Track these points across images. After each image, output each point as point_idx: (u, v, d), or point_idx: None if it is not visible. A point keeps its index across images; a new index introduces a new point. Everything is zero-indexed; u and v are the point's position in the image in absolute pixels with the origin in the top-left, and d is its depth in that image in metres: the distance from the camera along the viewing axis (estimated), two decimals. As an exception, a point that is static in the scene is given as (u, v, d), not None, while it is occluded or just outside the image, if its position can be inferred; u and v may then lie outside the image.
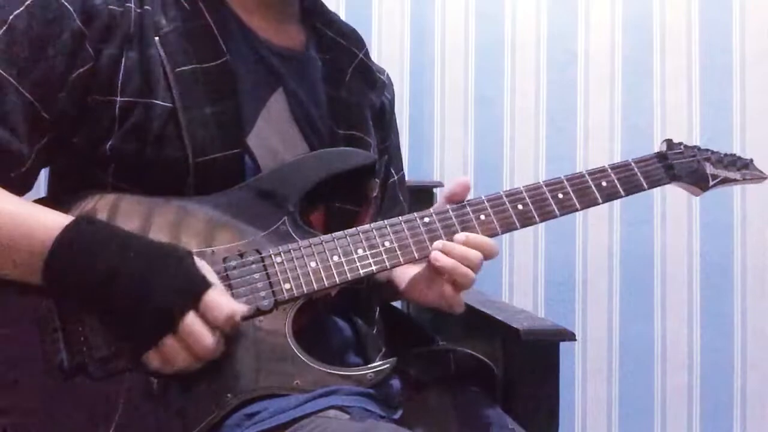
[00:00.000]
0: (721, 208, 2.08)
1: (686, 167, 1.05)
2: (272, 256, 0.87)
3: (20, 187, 0.86)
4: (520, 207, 0.96)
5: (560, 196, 0.97)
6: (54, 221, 0.80)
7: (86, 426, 0.79)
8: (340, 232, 0.90)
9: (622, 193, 1.00)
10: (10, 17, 0.83)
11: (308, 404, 0.81)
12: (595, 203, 0.98)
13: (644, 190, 1.02)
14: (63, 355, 0.80)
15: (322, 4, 1.11)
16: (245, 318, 0.83)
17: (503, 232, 0.95)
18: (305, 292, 0.86)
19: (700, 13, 2.09)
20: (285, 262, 0.87)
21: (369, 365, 0.88)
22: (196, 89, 0.90)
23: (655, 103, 2.09)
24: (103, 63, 0.87)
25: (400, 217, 0.93)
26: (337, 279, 0.88)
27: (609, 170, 1.00)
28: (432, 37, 2.06)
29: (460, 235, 0.92)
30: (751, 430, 2.08)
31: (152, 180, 0.87)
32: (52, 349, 0.80)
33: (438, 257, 0.90)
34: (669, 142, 1.07)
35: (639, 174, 1.01)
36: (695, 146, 1.09)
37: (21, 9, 0.84)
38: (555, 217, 0.97)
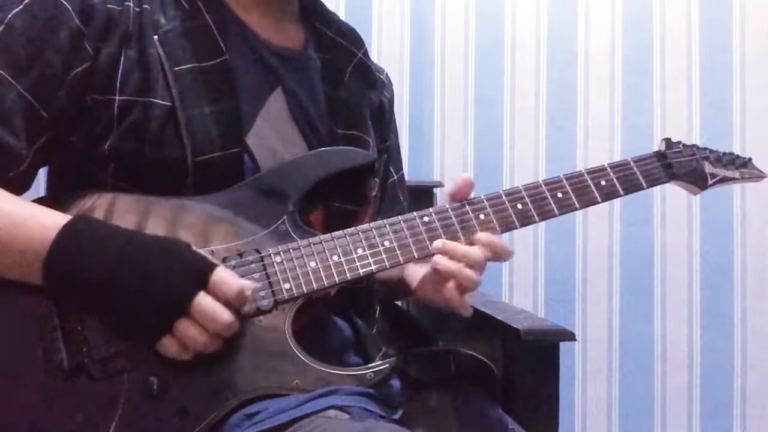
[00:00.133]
0: (721, 207, 2.08)
1: (685, 166, 1.05)
2: (272, 255, 0.87)
3: (19, 187, 0.86)
4: (519, 206, 0.96)
5: (559, 195, 0.97)
6: (53, 221, 0.80)
7: (86, 426, 0.79)
8: (340, 232, 0.90)
9: (621, 192, 1.00)
10: (9, 16, 0.83)
11: (308, 404, 0.81)
12: (594, 202, 0.98)
13: (643, 189, 1.02)
14: (63, 355, 0.80)
15: (322, 4, 1.11)
16: (245, 318, 0.83)
17: (503, 232, 0.95)
18: (305, 291, 0.86)
19: (700, 13, 2.09)
20: (284, 262, 0.87)
21: (369, 365, 0.88)
22: (195, 88, 0.90)
23: (655, 103, 2.09)
24: (101, 62, 0.87)
25: (399, 217, 0.93)
26: (336, 279, 0.88)
27: (608, 169, 1.00)
28: (432, 37, 2.06)
29: (482, 235, 0.91)
30: (751, 430, 2.08)
31: (151, 179, 0.87)
32: (51, 349, 0.80)
33: (439, 261, 0.90)
34: (668, 141, 1.07)
35: (638, 173, 1.01)
36: (694, 145, 1.09)
37: (20, 8, 0.84)
38: (554, 216, 0.97)
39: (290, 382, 0.83)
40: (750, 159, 1.12)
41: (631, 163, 1.02)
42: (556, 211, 0.97)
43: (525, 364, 1.15)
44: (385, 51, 2.03)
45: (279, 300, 0.85)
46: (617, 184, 1.00)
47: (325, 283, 0.87)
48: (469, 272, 0.90)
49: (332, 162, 0.94)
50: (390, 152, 1.18)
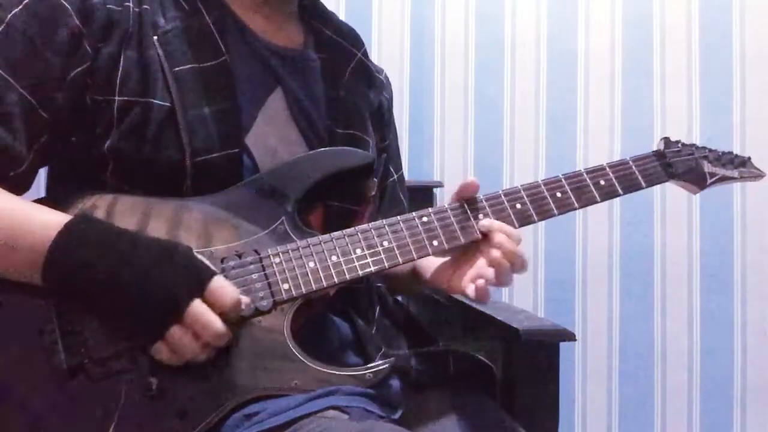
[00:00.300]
0: (721, 207, 2.08)
1: (684, 165, 1.05)
2: (271, 256, 0.87)
3: (19, 187, 0.86)
4: (518, 206, 0.96)
5: (558, 195, 0.97)
6: (53, 221, 0.80)
7: (86, 426, 0.79)
8: (339, 232, 0.90)
9: (620, 191, 1.00)
10: (9, 16, 0.84)
11: (307, 404, 0.81)
12: (594, 202, 0.98)
13: (642, 188, 1.02)
14: (62, 356, 0.80)
15: (321, 4, 1.11)
16: (244, 318, 0.83)
17: (502, 232, 0.95)
18: (304, 292, 0.86)
19: (700, 13, 2.09)
20: (283, 263, 0.87)
21: (368, 365, 0.88)
22: (195, 89, 0.90)
23: (655, 103, 2.09)
24: (101, 62, 0.87)
25: (398, 217, 0.93)
26: (335, 279, 0.87)
27: (607, 169, 1.00)
28: (432, 37, 2.06)
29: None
30: (751, 430, 2.08)
31: (150, 179, 0.87)
32: (51, 349, 0.80)
33: (503, 241, 0.91)
34: (666, 141, 1.07)
35: (637, 172, 1.01)
36: (693, 144, 1.09)
37: (19, 8, 0.84)
38: (553, 215, 0.97)
39: (289, 383, 0.83)
40: (749, 158, 1.12)
41: (630, 162, 1.02)
42: (555, 211, 0.97)
43: (525, 364, 1.15)
44: (385, 51, 2.03)
45: (278, 300, 0.85)
46: (616, 184, 1.00)
47: (324, 283, 0.87)
48: (508, 264, 0.91)
49: (331, 162, 0.93)
50: (389, 152, 1.18)
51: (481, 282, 0.91)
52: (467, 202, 0.95)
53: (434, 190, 1.92)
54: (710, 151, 1.09)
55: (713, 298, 2.08)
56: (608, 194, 0.99)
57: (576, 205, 0.98)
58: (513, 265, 0.91)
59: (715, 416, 2.08)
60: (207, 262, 0.82)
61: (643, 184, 1.02)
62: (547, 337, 1.14)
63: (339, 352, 0.97)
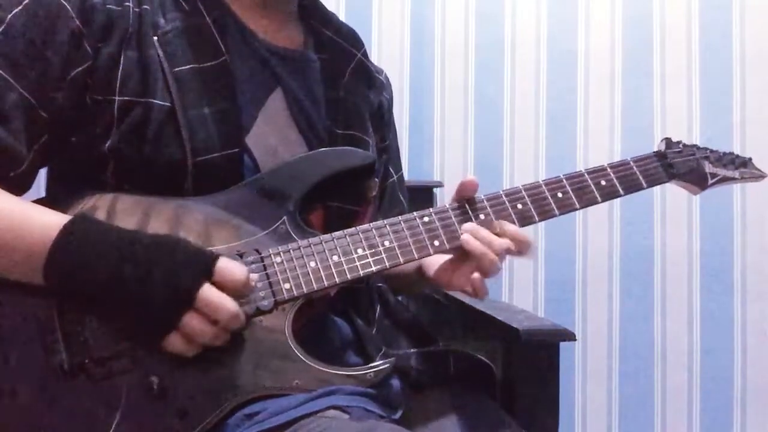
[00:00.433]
0: (721, 207, 2.08)
1: (685, 166, 1.06)
2: (272, 256, 0.87)
3: (19, 187, 0.86)
4: (519, 206, 0.96)
5: (559, 195, 0.97)
6: (53, 221, 0.80)
7: (87, 426, 0.79)
8: (340, 232, 0.90)
9: (621, 192, 1.00)
10: (9, 16, 0.83)
11: (308, 404, 0.81)
12: (594, 202, 0.99)
13: (643, 188, 1.02)
14: (63, 356, 0.80)
15: (321, 4, 1.11)
16: (246, 317, 0.83)
17: (503, 232, 0.95)
18: (305, 291, 0.86)
19: (700, 13, 2.09)
20: (284, 262, 0.87)
21: (369, 365, 0.88)
22: (195, 89, 0.90)
23: (655, 103, 2.09)
24: (101, 62, 0.87)
25: (399, 217, 0.93)
26: (336, 279, 0.88)
27: (608, 169, 1.00)
28: (432, 37, 2.06)
29: (497, 223, 0.93)
30: (751, 430, 2.08)
31: (151, 180, 0.87)
32: (51, 349, 0.80)
33: (468, 239, 0.91)
34: (668, 141, 1.07)
35: (638, 173, 1.01)
36: (694, 145, 1.09)
37: (20, 8, 0.84)
38: (554, 216, 0.97)
39: (290, 382, 0.83)
40: (750, 159, 1.12)
41: (631, 163, 1.02)
42: (556, 211, 0.97)
43: (525, 364, 1.15)
44: (385, 51, 2.03)
45: (279, 300, 0.85)
46: (617, 184, 1.00)
47: (325, 283, 0.87)
48: (493, 256, 0.91)
49: (332, 162, 0.94)
50: (389, 153, 1.18)
51: (475, 276, 0.92)
52: (468, 202, 0.95)
53: (434, 190, 1.92)
54: (711, 151, 1.09)
55: (713, 298, 2.08)
56: (609, 194, 0.99)
57: (577, 205, 0.98)
58: (494, 252, 0.91)
59: (715, 416, 2.08)
60: (207, 248, 0.82)
61: (644, 184, 1.02)
62: (547, 337, 1.14)
63: (340, 352, 0.97)
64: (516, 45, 2.07)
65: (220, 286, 0.80)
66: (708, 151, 1.09)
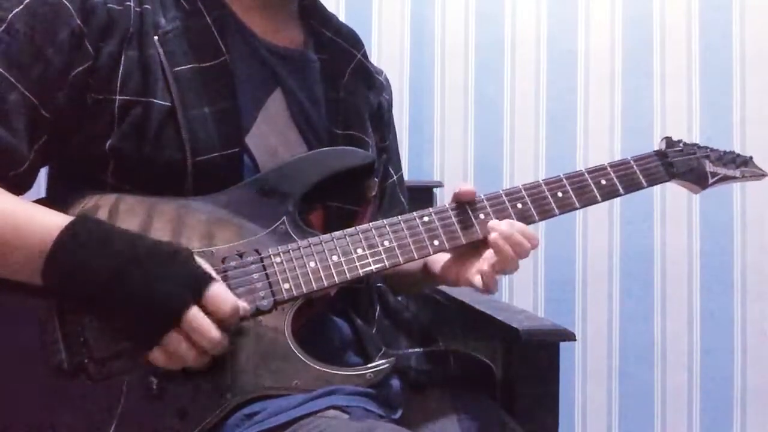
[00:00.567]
0: (721, 207, 2.08)
1: (685, 165, 1.05)
2: (271, 256, 0.87)
3: (19, 187, 0.86)
4: (519, 206, 0.96)
5: (559, 194, 0.97)
6: (53, 221, 0.80)
7: (86, 426, 0.79)
8: (339, 232, 0.90)
9: (622, 191, 1.00)
10: (10, 16, 0.83)
11: (308, 404, 0.81)
12: (595, 201, 0.99)
13: (644, 188, 1.02)
14: (62, 356, 0.80)
15: (321, 5, 1.11)
16: (245, 318, 0.83)
17: (503, 232, 0.95)
18: (304, 291, 0.86)
19: (700, 13, 2.09)
20: (284, 262, 0.87)
21: (369, 365, 0.88)
22: (195, 89, 0.90)
23: (655, 103, 2.09)
24: (102, 61, 0.87)
25: (399, 217, 0.93)
26: (336, 279, 0.87)
27: (608, 168, 1.00)
28: (432, 37, 2.06)
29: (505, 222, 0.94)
30: (751, 430, 2.08)
31: (151, 179, 0.87)
32: (51, 349, 0.80)
33: (497, 239, 0.92)
34: (668, 140, 1.07)
35: (638, 172, 1.01)
36: (694, 144, 1.09)
37: (20, 8, 0.84)
38: (554, 215, 0.97)
39: (290, 382, 0.83)
40: (751, 158, 1.12)
41: (632, 162, 1.02)
42: (556, 211, 0.97)
43: (525, 364, 1.15)
44: (385, 51, 2.03)
45: (279, 300, 0.85)
46: (617, 183, 1.00)
47: (325, 283, 0.87)
48: (512, 253, 0.92)
49: (332, 162, 0.94)
50: (389, 153, 1.18)
51: (486, 269, 0.92)
52: (468, 202, 0.95)
53: (434, 190, 1.92)
54: (712, 150, 1.09)
55: (713, 298, 2.08)
56: (609, 194, 0.99)
57: (577, 204, 0.98)
58: (517, 253, 0.93)
59: (715, 416, 2.08)
60: (207, 268, 0.81)
61: (645, 183, 1.02)
62: (547, 337, 1.14)
63: (339, 351, 0.97)
64: (516, 45, 2.07)
65: (207, 312, 0.79)
66: (708, 150, 1.09)
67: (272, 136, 0.95)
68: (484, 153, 2.06)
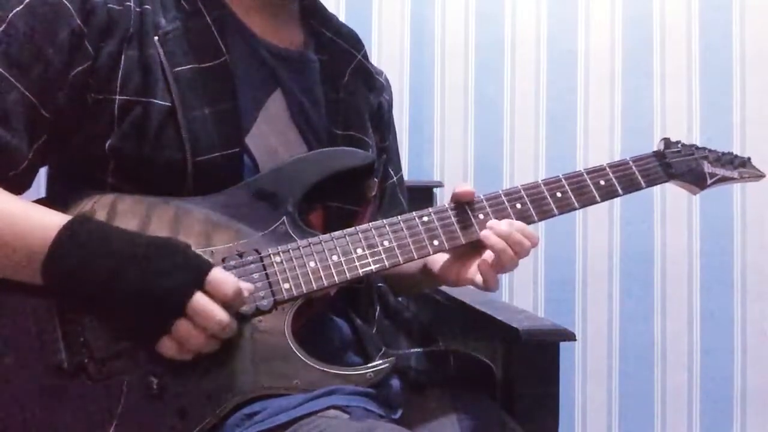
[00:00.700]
0: (721, 207, 2.08)
1: (684, 166, 1.06)
2: (271, 256, 0.87)
3: (19, 186, 0.86)
4: (518, 206, 0.96)
5: (559, 195, 0.97)
6: (52, 221, 0.80)
7: (86, 426, 0.79)
8: (339, 232, 0.90)
9: (620, 191, 1.00)
10: (10, 15, 0.83)
11: (308, 404, 0.81)
12: (594, 202, 0.99)
13: (642, 188, 1.02)
14: (63, 355, 0.80)
15: (321, 5, 1.11)
16: (245, 318, 0.83)
17: (502, 232, 0.95)
18: (304, 291, 0.86)
19: (700, 13, 2.09)
20: (284, 262, 0.87)
21: (369, 365, 0.88)
22: (195, 89, 0.90)
23: (655, 103, 2.09)
24: (102, 61, 0.87)
25: (399, 217, 0.93)
26: (336, 278, 0.88)
27: (607, 169, 1.00)
28: (432, 37, 2.06)
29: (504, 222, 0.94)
30: (751, 430, 2.08)
31: (151, 179, 0.87)
32: (51, 349, 0.80)
33: (488, 236, 0.92)
34: (666, 141, 1.07)
35: (637, 172, 1.02)
36: (693, 145, 1.09)
37: (21, 7, 0.84)
38: (553, 215, 0.97)
39: (290, 382, 0.83)
40: (749, 158, 1.12)
41: (630, 162, 1.02)
42: (556, 211, 0.97)
43: (525, 364, 1.15)
44: (385, 51, 2.03)
45: (279, 300, 0.85)
46: (616, 184, 1.00)
47: (325, 283, 0.87)
48: (511, 253, 0.92)
49: (332, 162, 0.94)
50: (389, 153, 1.18)
51: (485, 268, 0.93)
52: (467, 202, 0.95)
53: (434, 190, 1.92)
54: (710, 151, 1.09)
55: (713, 298, 2.08)
56: (608, 194, 1.00)
57: (576, 205, 0.98)
58: (517, 252, 0.93)
59: (715, 416, 2.08)
60: (204, 256, 0.82)
61: (643, 184, 1.02)
62: (547, 337, 1.14)
63: (339, 351, 0.97)
64: (516, 45, 2.07)
65: (211, 296, 0.79)
66: (707, 150, 1.09)
67: (272, 137, 0.96)
68: (484, 153, 2.06)
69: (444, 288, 1.42)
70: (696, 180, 1.07)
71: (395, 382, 0.95)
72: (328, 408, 0.81)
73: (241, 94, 0.93)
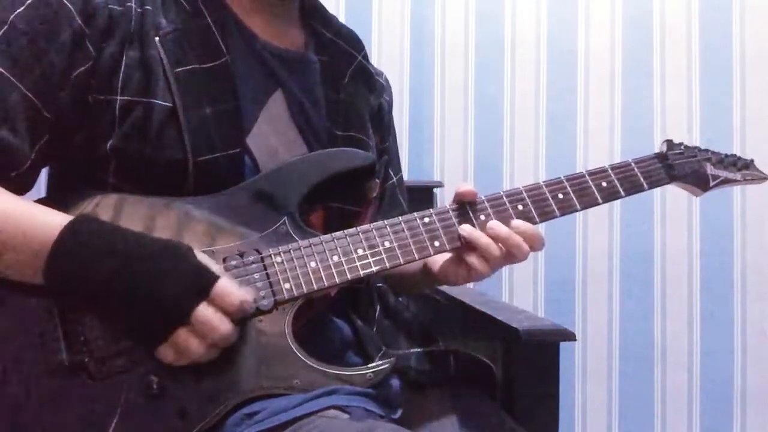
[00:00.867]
0: (721, 208, 2.09)
1: (687, 168, 1.05)
2: (272, 256, 0.87)
3: (21, 187, 0.86)
4: (520, 207, 0.96)
5: (560, 196, 0.97)
6: (54, 221, 0.80)
7: (86, 425, 0.79)
8: (340, 232, 0.90)
9: (622, 193, 1.00)
10: (12, 16, 0.83)
11: (308, 404, 0.82)
12: (595, 203, 0.98)
13: (644, 190, 1.02)
14: (63, 355, 0.80)
15: (322, 6, 1.11)
16: (245, 319, 0.83)
17: (503, 233, 0.95)
18: (305, 291, 0.86)
19: (700, 13, 2.09)
20: (285, 262, 0.87)
21: (369, 365, 0.88)
22: (196, 89, 0.90)
23: (655, 103, 2.09)
24: (103, 61, 0.87)
25: (399, 217, 0.93)
26: (336, 279, 0.88)
27: (609, 170, 1.00)
28: (432, 37, 2.06)
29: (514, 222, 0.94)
30: (751, 430, 2.08)
31: (152, 180, 0.87)
32: (52, 348, 0.80)
33: (465, 228, 0.92)
34: (669, 143, 1.07)
35: (639, 174, 1.01)
36: (696, 147, 1.08)
37: (22, 8, 0.84)
38: (555, 217, 0.97)
39: (290, 382, 0.83)
40: (752, 161, 1.12)
41: (633, 164, 1.02)
42: (557, 212, 0.97)
43: (525, 364, 1.15)
44: (385, 51, 2.03)
45: (279, 300, 0.85)
46: (618, 186, 1.00)
47: (326, 283, 0.87)
48: (495, 247, 0.92)
49: (333, 163, 0.94)
50: (389, 154, 1.18)
51: (472, 259, 0.92)
52: (468, 203, 0.95)
53: (434, 190, 1.92)
54: (713, 153, 1.09)
55: (713, 298, 2.08)
56: (610, 196, 0.99)
57: (578, 206, 0.98)
58: (515, 255, 0.93)
59: (715, 416, 2.08)
60: (210, 264, 0.82)
61: (646, 186, 1.01)
62: (547, 337, 1.14)
63: (339, 352, 0.97)
64: (516, 45, 2.07)
65: (216, 307, 0.79)
66: (710, 152, 1.09)
67: (273, 137, 0.96)
68: (484, 153, 2.06)
69: (444, 288, 1.42)
70: (698, 182, 1.06)
71: (395, 382, 0.95)
72: (328, 408, 0.82)
73: (242, 94, 0.93)
